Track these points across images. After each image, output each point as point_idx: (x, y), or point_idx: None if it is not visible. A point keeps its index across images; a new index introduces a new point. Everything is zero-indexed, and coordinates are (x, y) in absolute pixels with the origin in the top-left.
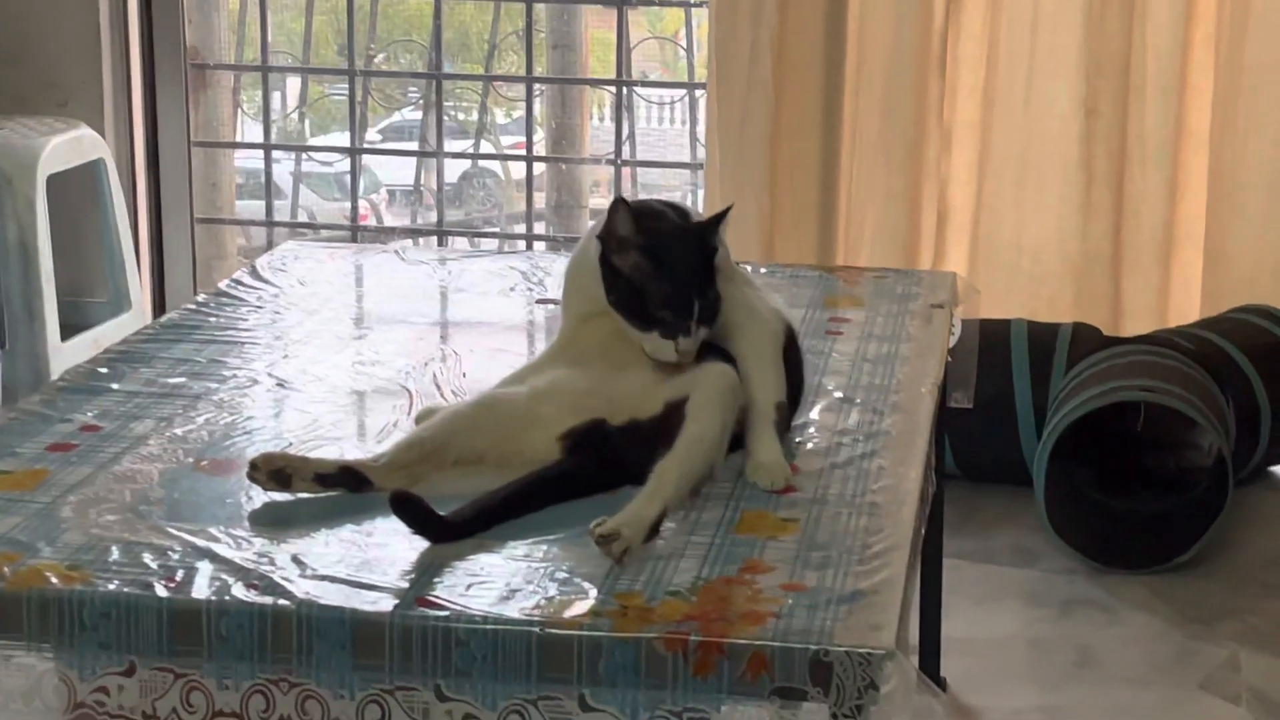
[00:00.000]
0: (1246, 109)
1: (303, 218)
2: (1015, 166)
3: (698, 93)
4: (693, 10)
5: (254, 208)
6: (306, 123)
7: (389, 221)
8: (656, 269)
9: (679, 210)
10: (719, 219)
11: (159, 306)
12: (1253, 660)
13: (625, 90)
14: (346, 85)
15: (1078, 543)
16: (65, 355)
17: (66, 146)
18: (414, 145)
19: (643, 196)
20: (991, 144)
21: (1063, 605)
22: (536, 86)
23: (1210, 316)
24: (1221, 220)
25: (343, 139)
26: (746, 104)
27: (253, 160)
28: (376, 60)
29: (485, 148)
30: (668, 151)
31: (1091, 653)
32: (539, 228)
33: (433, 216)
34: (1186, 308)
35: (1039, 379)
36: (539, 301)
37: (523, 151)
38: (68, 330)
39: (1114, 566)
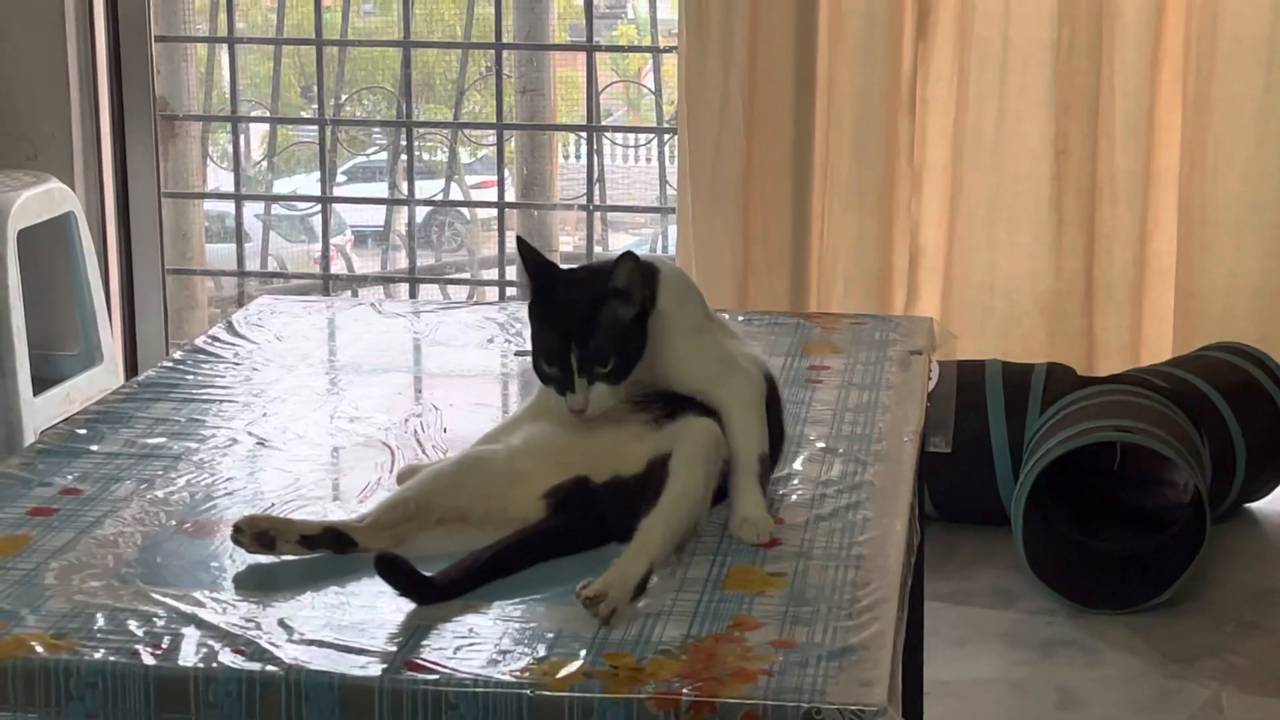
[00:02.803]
0: (1215, 146)
1: (271, 263)
2: (986, 207)
3: (666, 134)
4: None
5: (223, 250)
6: (273, 166)
7: (357, 264)
8: (542, 313)
9: (648, 271)
10: (617, 263)
11: (130, 358)
12: (1235, 699)
13: (595, 135)
14: (313, 129)
15: (1057, 583)
16: (37, 409)
17: (36, 200)
18: (381, 185)
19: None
20: (962, 185)
21: (1043, 646)
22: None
23: (1183, 355)
24: (1192, 257)
25: (309, 180)
26: (718, 148)
27: (221, 203)
28: (343, 105)
29: (453, 188)
30: (634, 188)
31: (1073, 694)
32: (510, 272)
33: (400, 257)
34: (1159, 345)
35: (1014, 420)
36: (517, 354)
37: (489, 189)
38: (39, 384)
39: (1093, 607)
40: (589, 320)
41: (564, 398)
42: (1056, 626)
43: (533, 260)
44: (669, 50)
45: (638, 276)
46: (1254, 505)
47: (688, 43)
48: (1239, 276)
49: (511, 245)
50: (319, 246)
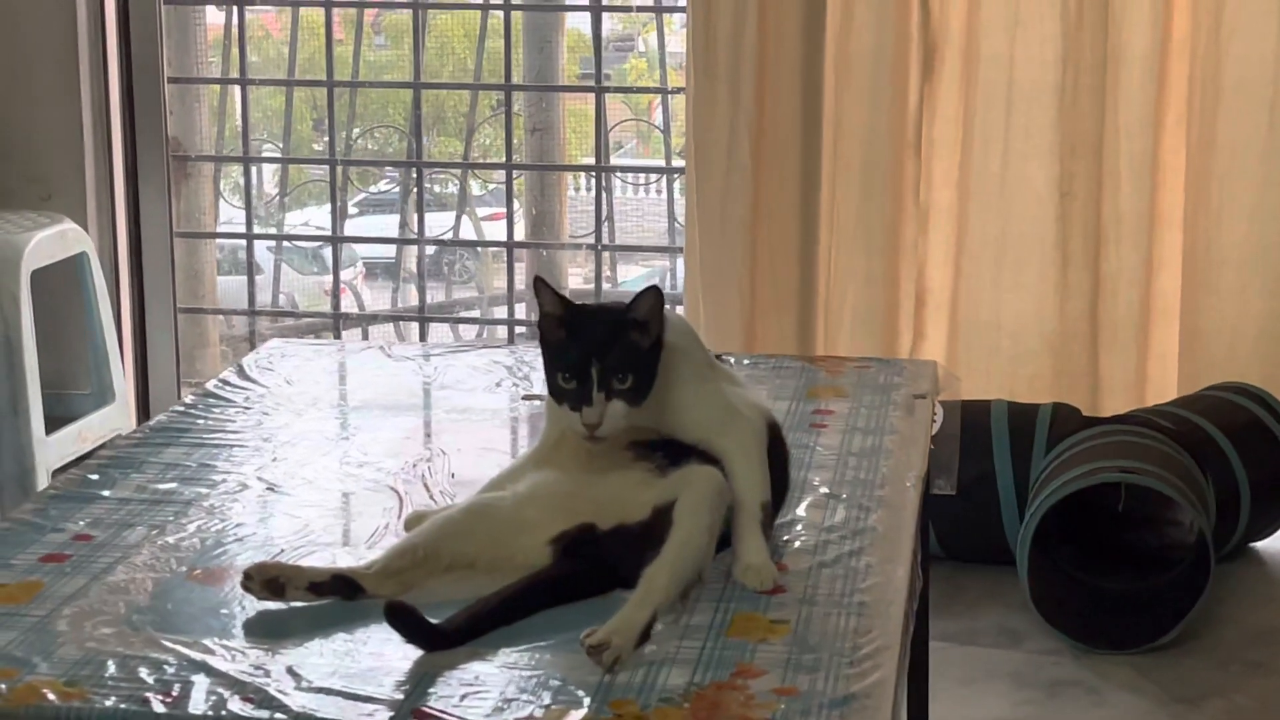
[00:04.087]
0: (1219, 187)
1: (282, 298)
2: (993, 247)
3: (674, 173)
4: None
5: (234, 284)
6: (285, 200)
7: (368, 298)
8: (563, 337)
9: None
10: (639, 295)
11: (143, 397)
12: None
13: (604, 174)
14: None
15: (1062, 623)
16: (50, 448)
17: (50, 241)
18: (392, 217)
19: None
20: (969, 225)
21: (1049, 687)
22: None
23: (1188, 395)
24: (1197, 298)
25: (322, 212)
26: (725, 189)
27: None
28: (355, 140)
29: (464, 223)
30: (644, 221)
31: None
32: (519, 310)
33: (410, 290)
34: (1164, 385)
35: (1020, 460)
36: (525, 398)
37: (500, 221)
38: (52, 423)
39: (1099, 647)
40: (610, 340)
41: (578, 414)
42: (1062, 666)
43: (553, 292)
44: (677, 91)
45: (658, 310)
46: (1258, 545)
47: (695, 84)
48: (1244, 317)
49: (520, 283)
50: (331, 278)
